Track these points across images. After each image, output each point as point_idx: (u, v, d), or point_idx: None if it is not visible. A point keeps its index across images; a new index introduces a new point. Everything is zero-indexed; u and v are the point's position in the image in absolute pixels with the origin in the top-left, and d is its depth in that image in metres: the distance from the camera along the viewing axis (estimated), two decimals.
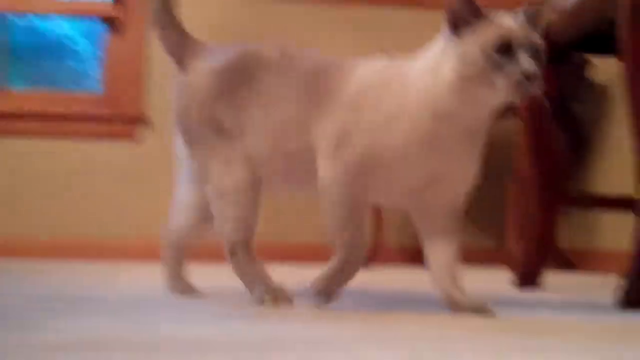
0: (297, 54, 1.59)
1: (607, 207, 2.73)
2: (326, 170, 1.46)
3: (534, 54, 1.33)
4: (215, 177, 1.55)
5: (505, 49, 1.32)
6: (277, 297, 1.48)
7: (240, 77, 1.58)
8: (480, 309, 1.40)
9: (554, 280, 2.53)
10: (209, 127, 1.57)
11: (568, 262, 3.48)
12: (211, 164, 1.56)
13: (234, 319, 1.25)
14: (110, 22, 3.67)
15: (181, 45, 1.63)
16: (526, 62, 1.31)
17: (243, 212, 1.53)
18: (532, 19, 1.38)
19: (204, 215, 1.65)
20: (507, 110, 3.07)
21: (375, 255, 3.39)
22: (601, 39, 1.94)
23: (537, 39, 1.35)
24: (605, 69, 3.33)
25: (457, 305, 1.42)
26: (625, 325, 1.29)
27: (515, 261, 3.24)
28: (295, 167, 1.54)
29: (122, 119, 3.64)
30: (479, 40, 1.34)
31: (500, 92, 1.33)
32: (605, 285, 2.32)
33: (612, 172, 3.32)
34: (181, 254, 1.71)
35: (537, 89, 1.32)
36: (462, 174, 1.45)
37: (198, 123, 1.58)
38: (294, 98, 1.53)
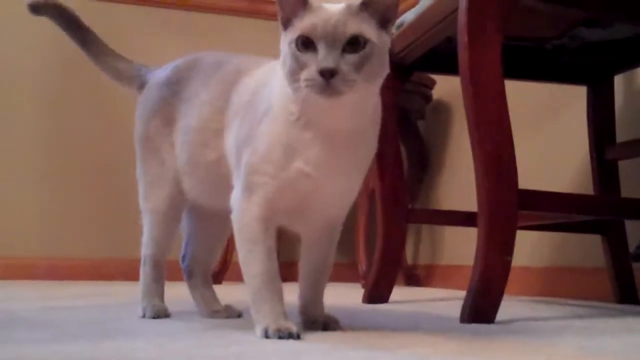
0: (230, 59, 1.52)
1: (450, 222, 2.82)
2: (236, 201, 1.32)
3: (345, 46, 1.18)
4: (141, 195, 1.61)
5: (307, 44, 1.19)
6: (156, 314, 1.56)
7: (173, 89, 1.56)
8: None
9: (402, 295, 2.57)
10: (144, 144, 1.60)
11: (415, 277, 3.56)
12: (141, 181, 1.61)
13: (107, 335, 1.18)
14: None
15: (135, 76, 1.69)
16: (321, 56, 1.17)
17: (156, 232, 1.59)
18: (364, 7, 1.22)
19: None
20: None
21: (224, 271, 3.36)
22: (442, 58, 1.99)
23: (350, 29, 1.19)
24: (447, 87, 3.45)
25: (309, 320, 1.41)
26: (468, 338, 1.31)
27: (365, 277, 3.29)
28: (217, 179, 1.45)
29: None
30: (289, 36, 1.22)
31: (301, 91, 1.19)
32: (450, 300, 2.38)
33: (454, 189, 3.43)
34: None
35: (339, 85, 1.16)
36: (337, 185, 1.30)
37: (138, 140, 1.62)
38: (211, 104, 1.45)
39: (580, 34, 1.96)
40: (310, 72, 1.17)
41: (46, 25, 1.72)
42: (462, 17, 1.58)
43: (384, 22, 1.24)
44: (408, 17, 1.93)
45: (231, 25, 3.90)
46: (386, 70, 1.25)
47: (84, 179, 3.65)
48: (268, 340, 1.19)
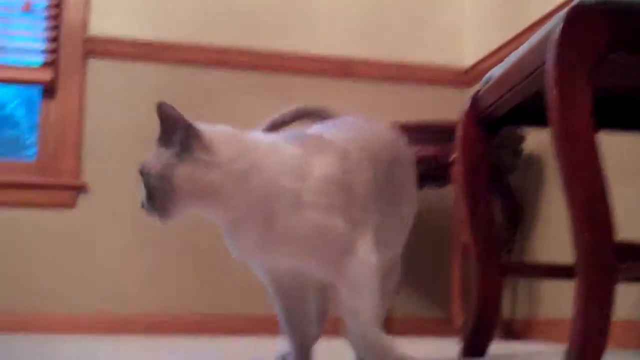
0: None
1: (547, 275, 2.77)
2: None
3: (147, 182, 1.33)
4: None
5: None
6: None
7: None
8: None
9: (500, 350, 2.53)
10: None
11: (512, 331, 3.49)
12: None
13: None
14: (43, 86, 3.62)
15: None
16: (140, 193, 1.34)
17: None
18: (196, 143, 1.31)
19: None
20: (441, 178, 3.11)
21: None
22: (532, 111, 1.99)
23: (150, 169, 1.33)
24: (538, 140, 3.41)
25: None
26: None
27: (461, 331, 3.24)
28: None
29: (58, 187, 3.58)
30: None
31: None
32: (550, 354, 2.32)
33: (549, 241, 3.37)
34: None
35: (158, 219, 1.38)
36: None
37: None
38: None
39: None
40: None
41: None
42: (550, 71, 1.58)
43: None
44: (495, 72, 1.95)
45: (323, 87, 3.94)
46: None
47: (184, 236, 3.74)
48: None
